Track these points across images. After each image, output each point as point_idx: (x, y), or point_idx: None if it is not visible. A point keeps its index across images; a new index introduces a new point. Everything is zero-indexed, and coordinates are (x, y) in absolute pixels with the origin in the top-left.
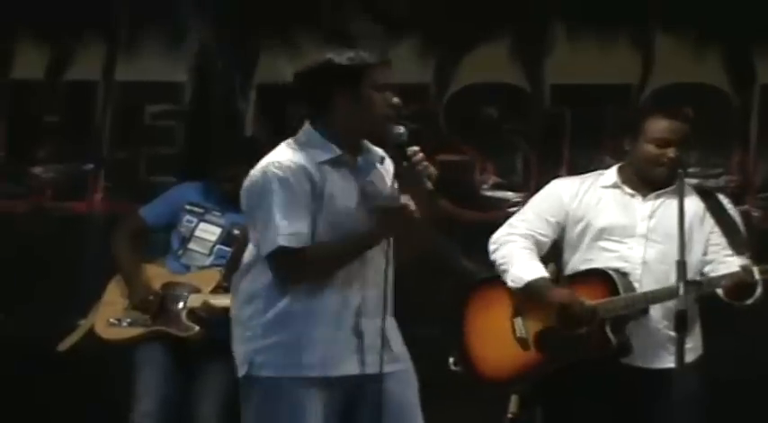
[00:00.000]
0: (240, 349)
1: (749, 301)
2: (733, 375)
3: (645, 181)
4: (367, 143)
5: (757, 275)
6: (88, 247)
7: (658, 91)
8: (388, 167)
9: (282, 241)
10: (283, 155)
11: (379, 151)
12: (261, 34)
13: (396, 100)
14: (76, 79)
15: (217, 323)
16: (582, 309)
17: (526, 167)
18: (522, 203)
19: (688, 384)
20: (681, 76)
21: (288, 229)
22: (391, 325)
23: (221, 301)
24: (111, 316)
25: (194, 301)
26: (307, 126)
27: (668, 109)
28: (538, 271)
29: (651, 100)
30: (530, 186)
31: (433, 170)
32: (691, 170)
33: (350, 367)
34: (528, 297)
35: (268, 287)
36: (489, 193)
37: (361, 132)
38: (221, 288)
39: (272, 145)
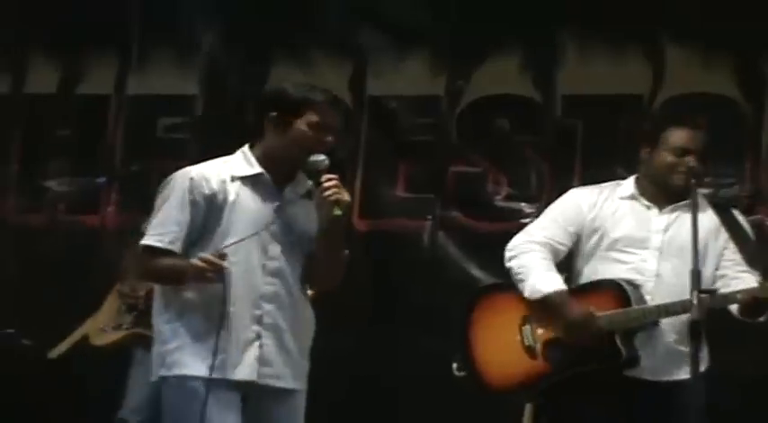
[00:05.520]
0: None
1: (762, 319)
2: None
3: (662, 191)
4: (301, 174)
5: None
6: (101, 260)
7: (669, 101)
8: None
9: (146, 240)
10: (198, 165)
11: (309, 184)
12: (271, 47)
13: (329, 139)
14: (89, 93)
15: None
16: (597, 327)
17: (538, 178)
18: (535, 214)
19: (697, 395)
20: (692, 85)
21: (155, 229)
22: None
23: None
24: (103, 324)
25: None
26: (246, 146)
27: (687, 118)
28: (556, 283)
29: (663, 110)
30: (542, 197)
31: (344, 197)
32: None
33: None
34: (544, 309)
35: None
36: (502, 204)
37: (282, 160)
38: None
39: None
